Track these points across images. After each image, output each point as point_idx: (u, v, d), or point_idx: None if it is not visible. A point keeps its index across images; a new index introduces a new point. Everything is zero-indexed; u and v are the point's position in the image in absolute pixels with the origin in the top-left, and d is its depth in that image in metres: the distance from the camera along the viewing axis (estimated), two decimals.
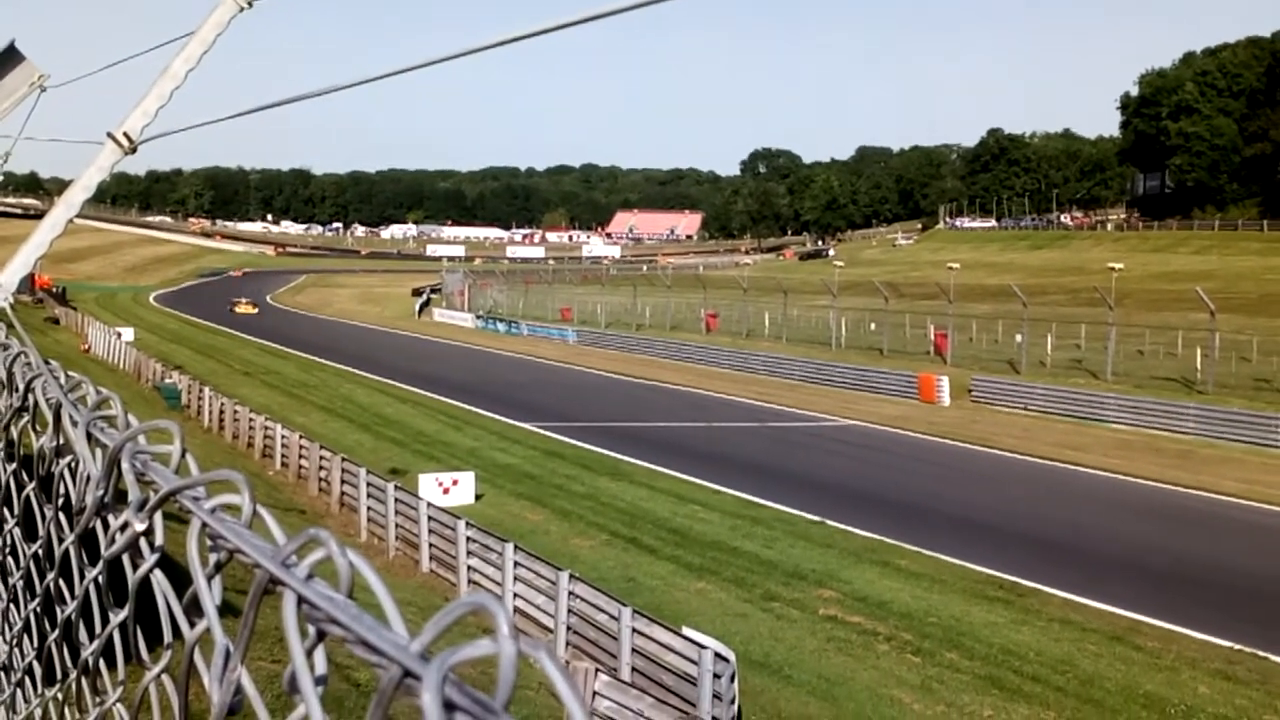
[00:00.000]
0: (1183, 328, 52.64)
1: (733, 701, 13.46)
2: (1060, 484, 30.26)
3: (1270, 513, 26.97)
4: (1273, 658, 16.71)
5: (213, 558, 1.15)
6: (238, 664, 1.04)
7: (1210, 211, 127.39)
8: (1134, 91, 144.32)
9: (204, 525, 1.11)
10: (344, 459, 25.87)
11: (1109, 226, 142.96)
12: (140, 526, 1.36)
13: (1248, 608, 19.07)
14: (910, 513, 25.57)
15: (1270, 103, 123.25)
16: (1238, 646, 17.10)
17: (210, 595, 1.10)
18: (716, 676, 13.13)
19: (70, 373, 2.40)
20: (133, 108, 4.42)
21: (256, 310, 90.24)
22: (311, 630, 0.89)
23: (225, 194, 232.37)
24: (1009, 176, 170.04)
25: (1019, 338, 54.02)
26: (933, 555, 21.85)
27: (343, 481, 25.41)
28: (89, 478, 1.62)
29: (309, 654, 0.86)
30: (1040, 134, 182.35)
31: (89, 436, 1.69)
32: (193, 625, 1.25)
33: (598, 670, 12.68)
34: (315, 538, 0.89)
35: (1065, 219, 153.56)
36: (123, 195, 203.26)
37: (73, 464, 1.91)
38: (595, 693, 12.19)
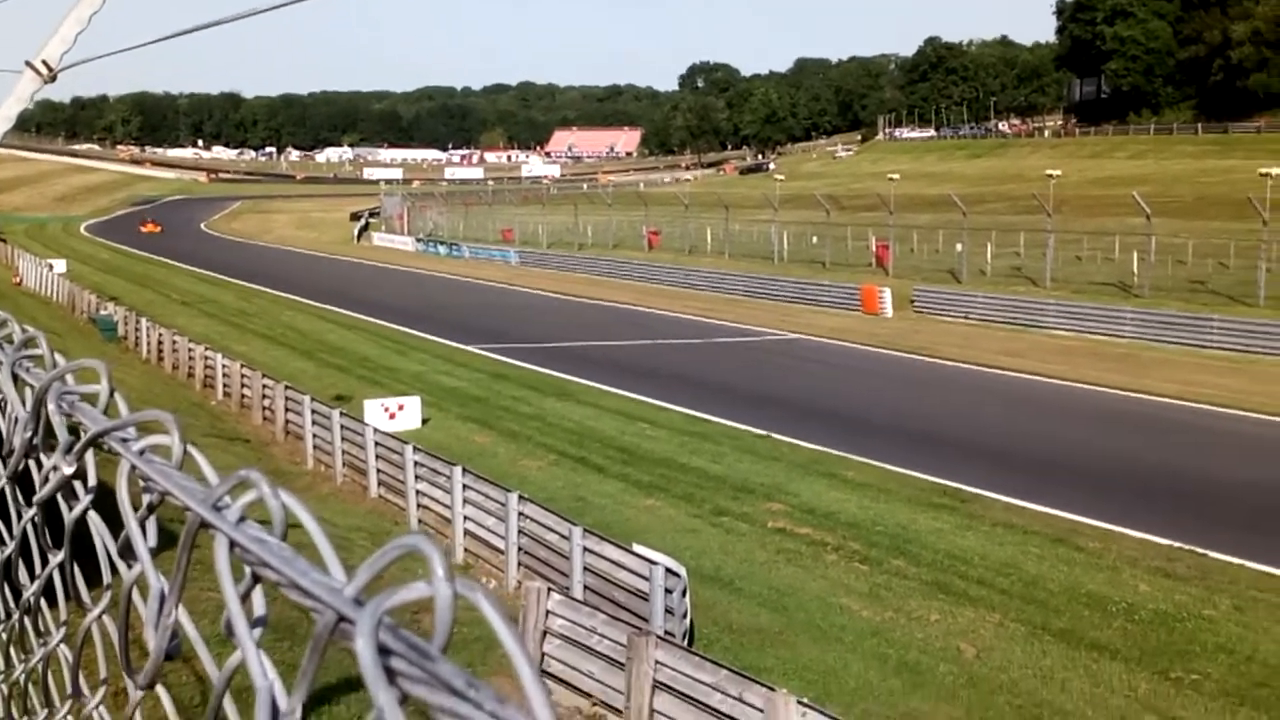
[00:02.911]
0: (1120, 232, 53.19)
1: (685, 615, 13.63)
2: (1001, 391, 30.65)
3: (1208, 413, 27.49)
4: (1211, 554, 17.09)
5: (146, 499, 1.12)
6: (172, 609, 1.01)
7: (1146, 116, 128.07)
8: None
9: (133, 467, 1.08)
10: (287, 387, 25.67)
11: (1046, 133, 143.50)
12: (68, 470, 1.32)
13: (1187, 506, 19.49)
14: (855, 424, 25.82)
15: (1203, 5, 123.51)
16: (1177, 544, 17.46)
17: (143, 539, 1.08)
18: (668, 591, 13.27)
19: None
20: (51, 34, 4.28)
21: None
22: (248, 573, 0.87)
23: (153, 120, 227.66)
24: (947, 85, 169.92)
25: (959, 247, 54.35)
26: (878, 465, 22.09)
27: (287, 410, 25.23)
28: (17, 419, 1.58)
29: (244, 598, 0.84)
30: (977, 42, 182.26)
31: (14, 377, 1.64)
32: (130, 566, 1.23)
33: (550, 589, 12.77)
34: (246, 479, 0.86)
35: (1003, 127, 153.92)
36: (47, 123, 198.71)
37: (2, 403, 1.87)
38: (548, 611, 12.28)
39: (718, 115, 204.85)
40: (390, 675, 0.61)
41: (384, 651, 0.62)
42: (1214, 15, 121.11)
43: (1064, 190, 59.70)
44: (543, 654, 12.16)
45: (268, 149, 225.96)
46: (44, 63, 3.98)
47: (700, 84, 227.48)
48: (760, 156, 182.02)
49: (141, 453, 1.09)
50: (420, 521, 18.82)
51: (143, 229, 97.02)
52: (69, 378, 1.47)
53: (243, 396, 28.06)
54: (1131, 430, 25.76)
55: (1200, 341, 36.68)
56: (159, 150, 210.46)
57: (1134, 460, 22.81)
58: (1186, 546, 17.37)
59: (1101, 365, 33.53)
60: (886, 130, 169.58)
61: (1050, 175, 55.75)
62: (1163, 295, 43.76)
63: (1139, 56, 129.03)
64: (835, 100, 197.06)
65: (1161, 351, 36.29)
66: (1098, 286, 47.29)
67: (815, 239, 64.82)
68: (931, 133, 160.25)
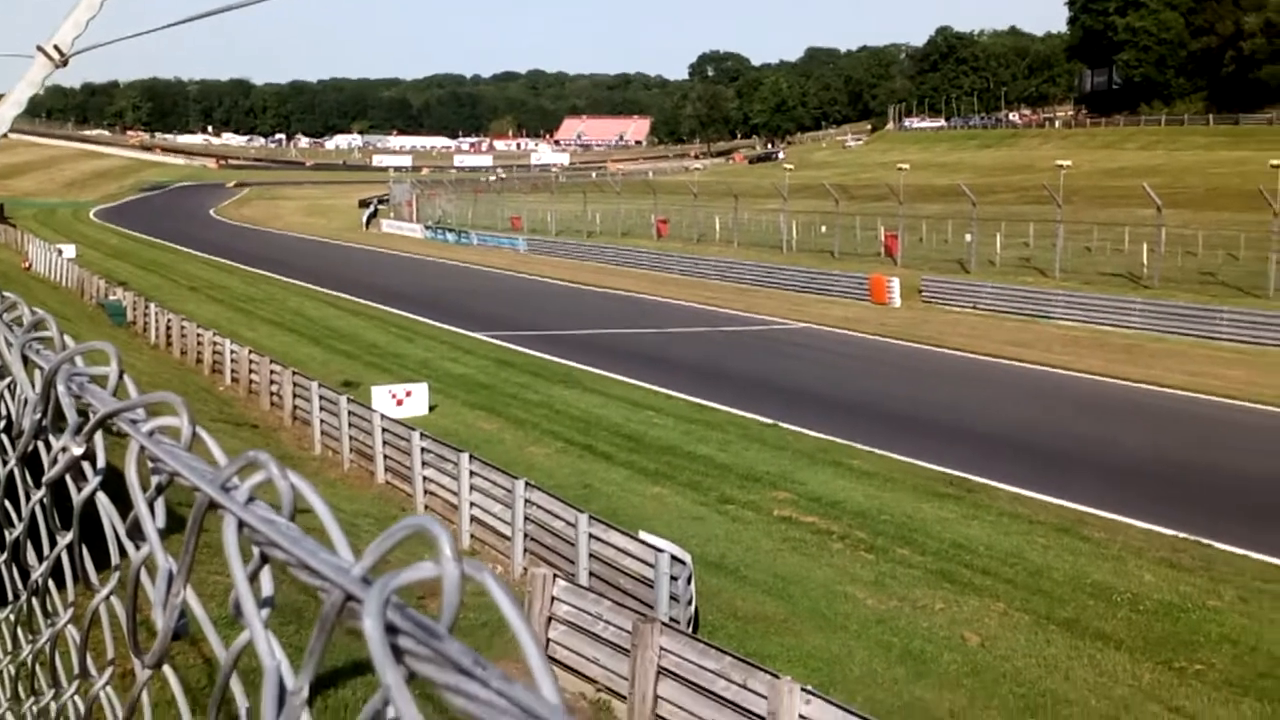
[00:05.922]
0: (1130, 224, 52.99)
1: (690, 602, 13.64)
2: (1009, 381, 30.61)
3: (1215, 404, 27.45)
4: (1216, 545, 17.08)
5: (155, 479, 1.13)
6: (180, 588, 1.02)
7: (1157, 107, 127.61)
8: None
9: (142, 448, 1.08)
10: (295, 373, 25.70)
11: (1057, 124, 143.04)
12: (77, 451, 1.33)
13: (1194, 498, 19.47)
14: (863, 413, 25.80)
15: None
16: (1182, 535, 17.45)
17: (151, 519, 1.08)
18: (673, 578, 13.29)
19: (5, 293, 2.34)
20: (63, 19, 4.28)
21: None
22: (255, 553, 0.87)
23: (163, 106, 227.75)
24: (957, 75, 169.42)
25: (968, 237, 54.25)
26: (884, 454, 22.07)
27: (295, 395, 25.26)
28: (26, 401, 1.59)
29: (252, 578, 0.84)
30: (988, 31, 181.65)
31: (24, 359, 1.65)
32: (138, 547, 1.23)
33: (556, 575, 12.79)
34: (255, 460, 0.87)
35: (1013, 117, 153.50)
36: (58, 109, 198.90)
37: (12, 385, 1.87)
38: (554, 597, 12.30)
39: (727, 104, 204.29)
40: (397, 653, 0.61)
41: (391, 630, 0.63)
42: (1226, 6, 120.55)
43: (1074, 181, 59.44)
44: (548, 640, 12.18)
45: (277, 136, 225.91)
46: (55, 47, 3.98)
47: (710, 73, 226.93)
48: (770, 146, 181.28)
49: (151, 434, 1.10)
50: (427, 507, 18.85)
51: None
52: (78, 360, 1.47)
53: (251, 382, 28.09)
54: (1138, 421, 25.73)
55: (1209, 333, 36.61)
56: (169, 136, 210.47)
57: (1141, 451, 22.78)
58: (1192, 537, 17.36)
59: (1109, 356, 33.47)
60: (896, 120, 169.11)
61: (1060, 166, 55.48)
62: (1172, 286, 43.65)
63: (1151, 47, 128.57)
64: (845, 90, 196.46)
65: (1170, 343, 36.22)
66: (1107, 277, 47.20)
67: (824, 228, 64.68)
68: (942, 123, 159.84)
